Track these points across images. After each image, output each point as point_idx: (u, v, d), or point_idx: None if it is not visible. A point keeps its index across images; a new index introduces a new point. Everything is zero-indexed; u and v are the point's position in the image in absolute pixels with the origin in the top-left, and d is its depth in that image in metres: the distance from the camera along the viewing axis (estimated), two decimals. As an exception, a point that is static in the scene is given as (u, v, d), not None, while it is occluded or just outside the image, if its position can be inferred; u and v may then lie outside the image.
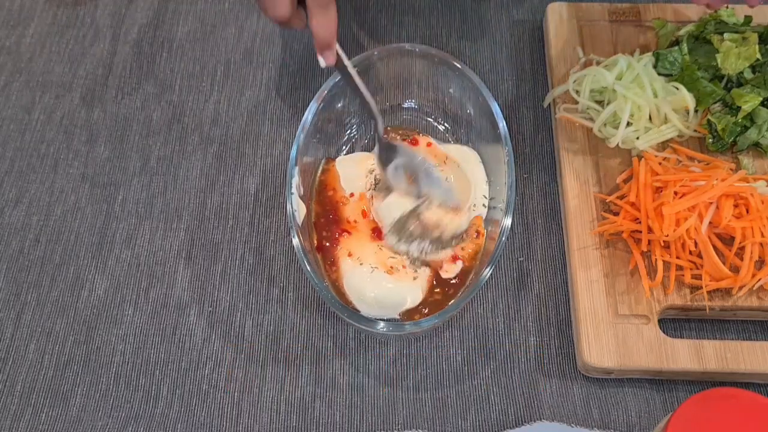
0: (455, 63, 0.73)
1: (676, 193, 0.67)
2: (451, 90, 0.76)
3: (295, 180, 0.67)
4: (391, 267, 0.68)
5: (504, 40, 0.87)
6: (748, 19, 0.78)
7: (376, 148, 0.72)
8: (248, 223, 0.75)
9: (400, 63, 0.77)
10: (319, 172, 0.74)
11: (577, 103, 0.77)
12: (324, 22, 0.62)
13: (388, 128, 0.77)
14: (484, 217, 0.71)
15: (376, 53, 0.74)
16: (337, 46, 0.63)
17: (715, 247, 0.66)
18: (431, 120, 0.79)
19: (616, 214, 0.71)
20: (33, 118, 0.82)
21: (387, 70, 0.77)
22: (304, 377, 0.67)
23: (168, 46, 0.87)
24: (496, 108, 0.70)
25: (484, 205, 0.72)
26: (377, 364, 0.68)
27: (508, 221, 0.65)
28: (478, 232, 0.70)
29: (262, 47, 0.87)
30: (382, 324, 0.62)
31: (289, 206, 0.65)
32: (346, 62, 0.65)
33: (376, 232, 0.70)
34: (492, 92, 0.71)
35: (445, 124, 0.79)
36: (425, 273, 0.68)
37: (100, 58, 0.86)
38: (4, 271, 0.73)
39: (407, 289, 0.67)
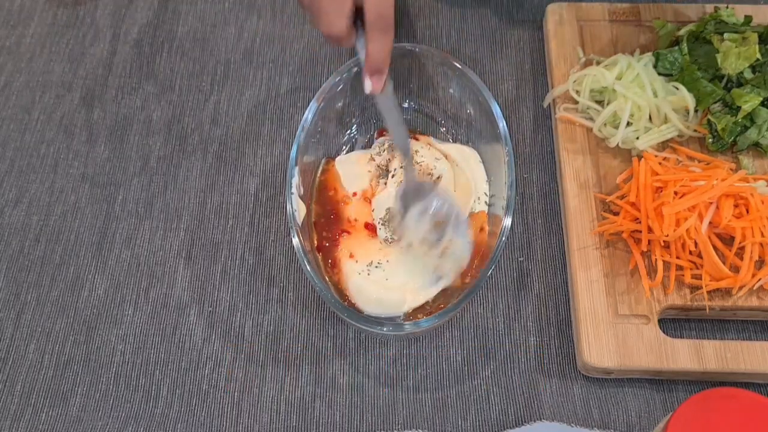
0: (455, 63, 0.73)
1: (676, 193, 0.67)
2: (451, 90, 0.76)
3: (295, 180, 0.67)
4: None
5: (504, 40, 0.87)
6: (748, 19, 0.78)
7: (400, 188, 0.69)
8: (248, 223, 0.75)
9: (400, 63, 0.76)
10: (319, 172, 0.74)
11: (577, 103, 0.77)
12: (380, 47, 0.61)
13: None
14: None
15: None
16: (389, 75, 0.62)
17: (715, 247, 0.66)
18: (431, 120, 0.79)
19: (616, 214, 0.71)
20: (33, 118, 0.82)
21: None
22: (304, 377, 0.67)
23: (168, 46, 0.87)
24: (496, 108, 0.70)
25: (486, 202, 0.72)
26: (377, 364, 0.68)
27: (508, 221, 0.65)
28: (482, 229, 0.70)
29: (262, 47, 0.87)
30: (383, 324, 0.62)
31: (289, 206, 0.65)
32: (391, 92, 0.64)
33: (370, 228, 0.70)
34: (492, 92, 0.71)
35: (445, 124, 0.79)
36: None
37: (100, 58, 0.86)
38: (4, 271, 0.73)
39: (408, 290, 0.67)
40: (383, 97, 0.64)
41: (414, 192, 0.68)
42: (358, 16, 0.62)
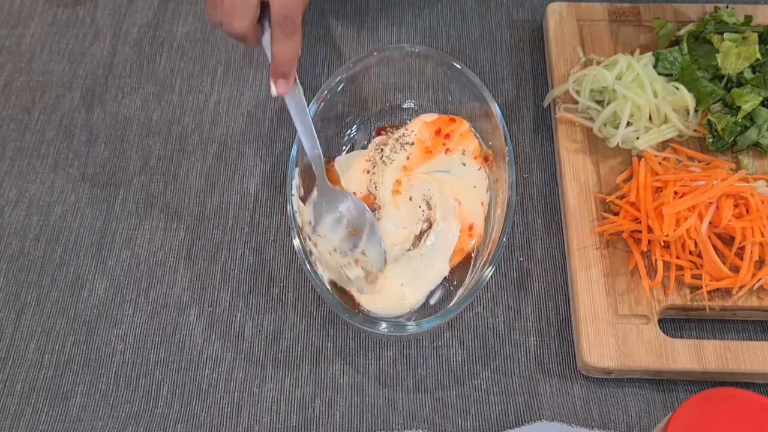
0: (455, 63, 0.73)
1: (676, 193, 0.67)
2: (451, 90, 0.76)
3: (296, 181, 0.67)
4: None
5: (504, 40, 0.87)
6: (748, 19, 0.78)
7: (314, 194, 0.68)
8: (248, 223, 0.75)
9: (400, 63, 0.77)
10: None
11: (577, 103, 0.77)
12: (285, 50, 0.57)
13: (387, 126, 0.77)
14: (484, 217, 0.71)
15: (375, 54, 0.74)
16: (296, 78, 0.60)
17: (715, 247, 0.66)
18: None
19: (616, 214, 0.71)
20: (33, 118, 0.82)
21: (387, 71, 0.77)
22: (304, 377, 0.67)
23: (168, 46, 0.87)
24: (496, 108, 0.70)
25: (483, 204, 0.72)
26: (377, 364, 0.68)
27: (508, 223, 0.65)
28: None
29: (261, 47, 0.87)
30: (383, 325, 0.62)
31: (289, 207, 0.65)
32: (301, 96, 0.62)
33: None
34: (492, 92, 0.71)
35: None
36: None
37: (100, 58, 0.86)
38: (4, 271, 0.73)
39: (408, 290, 0.67)
40: (292, 100, 0.61)
41: (328, 200, 0.67)
42: (264, 12, 0.58)
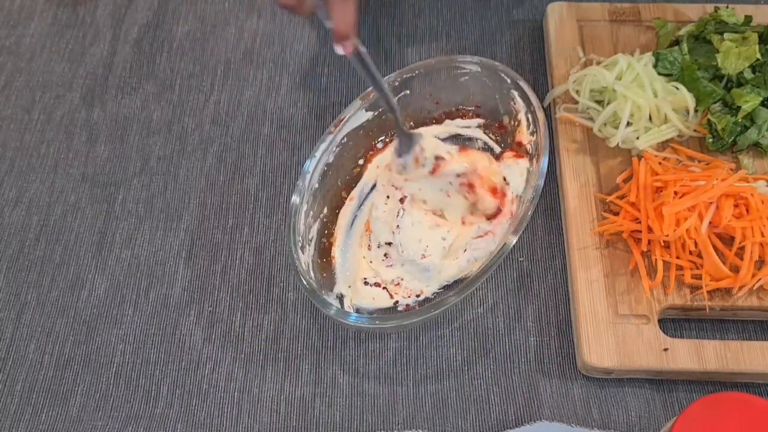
0: (523, 83, 0.73)
1: (676, 193, 0.67)
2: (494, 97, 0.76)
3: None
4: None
5: (504, 40, 0.87)
6: (748, 19, 0.78)
7: (395, 141, 0.71)
8: (248, 223, 0.75)
9: (445, 75, 0.76)
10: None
11: (577, 103, 0.77)
12: (342, 16, 0.62)
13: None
14: None
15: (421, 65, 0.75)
16: (356, 39, 0.63)
17: (715, 247, 0.66)
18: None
19: (616, 214, 0.71)
20: (33, 118, 0.82)
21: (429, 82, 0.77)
22: (304, 377, 0.67)
23: (168, 46, 0.87)
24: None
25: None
26: (377, 364, 0.68)
27: (512, 239, 0.65)
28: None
29: (262, 47, 0.87)
30: (354, 316, 0.63)
31: (296, 200, 0.66)
32: (364, 53, 0.65)
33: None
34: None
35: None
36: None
37: (100, 58, 0.86)
38: (4, 271, 0.73)
39: (399, 288, 0.68)
40: (357, 59, 0.65)
41: (406, 142, 0.70)
42: None
